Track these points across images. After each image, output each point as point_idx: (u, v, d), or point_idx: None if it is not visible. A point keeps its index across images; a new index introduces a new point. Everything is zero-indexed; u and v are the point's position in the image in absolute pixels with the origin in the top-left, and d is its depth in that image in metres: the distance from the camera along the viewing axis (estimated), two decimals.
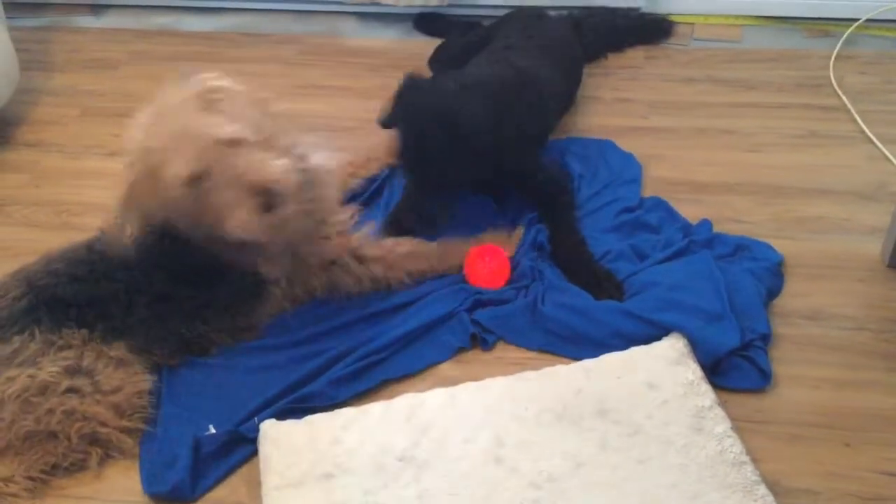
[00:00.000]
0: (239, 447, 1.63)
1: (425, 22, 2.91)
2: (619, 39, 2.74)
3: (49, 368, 1.60)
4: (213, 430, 1.64)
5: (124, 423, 1.63)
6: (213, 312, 1.77)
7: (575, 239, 1.95)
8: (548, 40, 2.33)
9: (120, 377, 1.65)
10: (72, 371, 1.61)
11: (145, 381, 1.69)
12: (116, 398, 1.63)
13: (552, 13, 2.55)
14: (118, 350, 1.68)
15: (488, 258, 1.89)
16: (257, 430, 1.63)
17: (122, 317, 1.71)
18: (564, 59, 2.35)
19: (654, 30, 2.79)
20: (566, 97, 2.37)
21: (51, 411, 1.57)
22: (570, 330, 1.78)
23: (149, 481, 1.57)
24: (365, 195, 2.16)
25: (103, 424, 1.60)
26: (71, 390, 1.60)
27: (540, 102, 2.11)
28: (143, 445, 1.64)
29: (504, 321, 1.82)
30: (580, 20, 2.66)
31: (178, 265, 1.72)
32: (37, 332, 1.65)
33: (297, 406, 1.68)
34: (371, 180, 2.20)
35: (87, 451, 1.59)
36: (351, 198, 2.13)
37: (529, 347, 1.80)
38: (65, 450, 1.57)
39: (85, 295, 1.69)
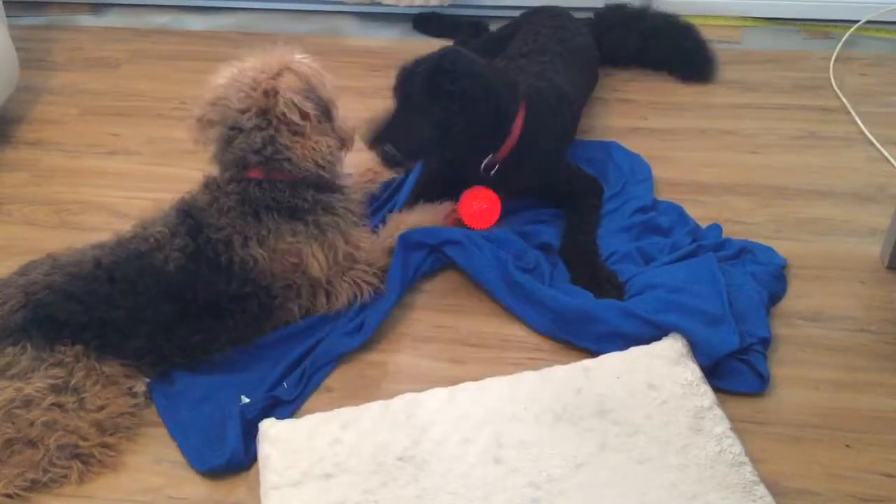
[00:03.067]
0: (277, 411, 1.68)
1: (425, 22, 2.90)
2: (652, 59, 2.63)
3: (36, 384, 1.60)
4: (246, 400, 1.67)
5: (106, 439, 1.63)
6: (216, 346, 1.78)
7: (587, 239, 1.97)
8: (577, 48, 2.33)
9: (107, 396, 1.66)
10: (58, 389, 1.62)
11: (132, 402, 1.69)
12: (100, 416, 1.64)
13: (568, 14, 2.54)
14: (111, 367, 1.68)
15: (480, 200, 1.99)
16: (288, 392, 1.70)
17: (120, 342, 1.70)
18: (588, 68, 2.38)
19: (690, 70, 2.60)
20: (584, 103, 2.38)
21: (32, 422, 1.58)
22: (569, 325, 1.79)
23: (199, 460, 1.60)
24: (383, 198, 2.16)
25: (84, 439, 1.60)
26: (55, 406, 1.60)
27: (569, 118, 2.15)
28: (176, 434, 1.65)
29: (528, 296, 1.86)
30: (610, 25, 2.62)
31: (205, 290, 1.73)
32: (29, 346, 1.64)
33: (321, 363, 1.76)
34: (387, 184, 2.18)
35: (68, 465, 1.59)
36: (371, 201, 2.12)
37: (535, 328, 1.84)
38: (43, 460, 1.57)
39: (81, 317, 1.68)
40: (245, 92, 1.75)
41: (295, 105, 1.74)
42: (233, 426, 1.61)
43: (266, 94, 1.75)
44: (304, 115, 1.76)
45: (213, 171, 1.85)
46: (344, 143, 1.87)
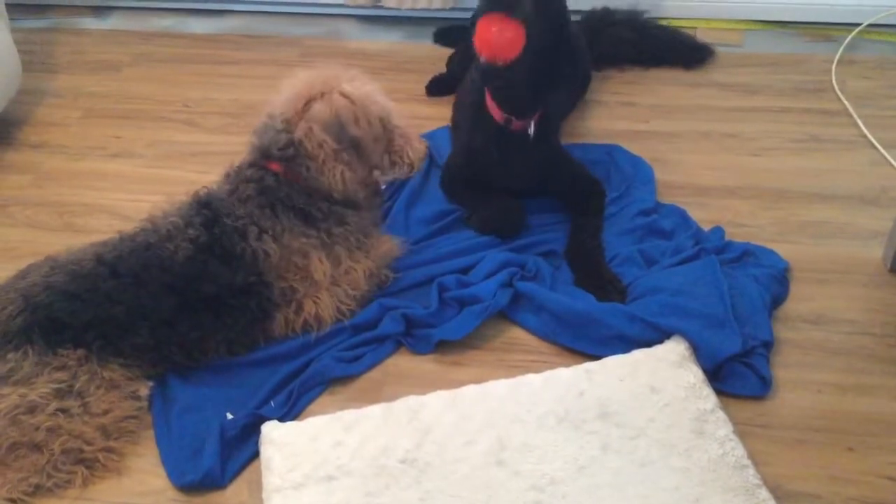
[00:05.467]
0: (260, 430, 1.65)
1: (444, 34, 2.86)
2: (650, 55, 2.69)
3: (41, 389, 1.60)
4: (230, 417, 1.66)
5: (110, 444, 1.63)
6: (213, 345, 1.77)
7: (592, 243, 1.97)
8: None
9: (110, 400, 1.65)
10: (62, 393, 1.61)
11: (136, 405, 1.69)
12: (105, 420, 1.63)
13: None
14: (112, 371, 1.68)
15: (500, 26, 1.75)
16: (274, 411, 1.68)
17: (121, 339, 1.70)
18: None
19: (690, 55, 2.70)
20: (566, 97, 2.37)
21: (36, 427, 1.57)
22: (571, 329, 1.79)
23: (176, 474, 1.58)
24: (385, 198, 2.16)
25: (88, 444, 1.60)
26: (60, 411, 1.60)
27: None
28: (161, 442, 1.65)
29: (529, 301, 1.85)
30: (604, 25, 2.66)
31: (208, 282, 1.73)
32: (31, 351, 1.64)
33: (310, 385, 1.74)
34: (390, 184, 2.19)
35: (72, 470, 1.58)
36: None
37: (535, 332, 1.83)
38: (47, 465, 1.56)
39: (83, 316, 1.67)
40: (290, 98, 1.81)
41: (312, 135, 1.78)
42: (211, 443, 1.60)
43: (303, 108, 1.81)
44: (319, 145, 1.78)
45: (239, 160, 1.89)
46: (366, 182, 1.89)
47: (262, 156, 1.83)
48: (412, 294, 1.91)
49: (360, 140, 1.81)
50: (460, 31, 2.87)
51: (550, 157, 2.06)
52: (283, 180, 1.80)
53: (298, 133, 1.78)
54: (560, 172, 2.08)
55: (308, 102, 1.80)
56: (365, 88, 1.83)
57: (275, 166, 1.81)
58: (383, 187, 2.18)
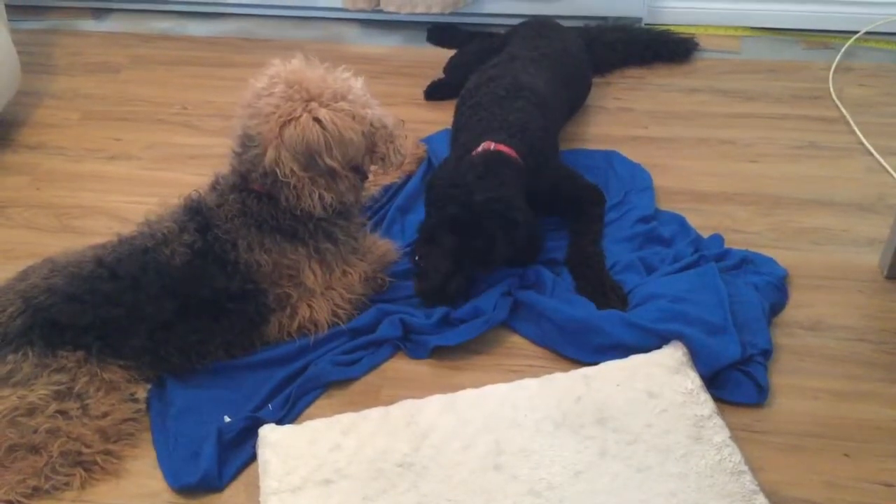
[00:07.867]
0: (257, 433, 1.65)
1: (438, 33, 2.90)
2: (639, 53, 2.75)
3: (40, 391, 1.60)
4: (228, 420, 1.66)
5: (109, 446, 1.63)
6: (211, 348, 1.77)
7: (592, 250, 1.97)
8: (552, 50, 2.36)
9: (110, 402, 1.66)
10: (62, 395, 1.61)
11: (135, 408, 1.69)
12: (104, 423, 1.63)
13: (565, 25, 2.60)
14: (112, 373, 1.68)
15: None
16: (272, 414, 1.68)
17: (120, 341, 1.70)
18: (567, 69, 2.38)
19: (676, 48, 2.77)
20: (565, 106, 2.38)
21: (35, 429, 1.57)
22: (572, 338, 1.79)
23: (174, 476, 1.59)
24: (382, 201, 2.19)
25: (87, 446, 1.60)
26: (59, 413, 1.60)
27: (543, 115, 2.12)
28: (158, 444, 1.65)
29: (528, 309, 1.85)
30: (597, 34, 2.70)
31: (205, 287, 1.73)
32: (30, 353, 1.64)
33: (308, 388, 1.74)
34: (387, 188, 2.21)
35: (71, 473, 1.58)
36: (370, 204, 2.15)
37: (535, 341, 1.83)
38: (46, 467, 1.56)
39: (83, 318, 1.67)
40: (263, 116, 1.71)
41: (281, 162, 1.70)
42: (208, 446, 1.60)
43: (279, 132, 1.70)
44: (290, 172, 1.70)
45: (223, 170, 1.85)
46: (355, 185, 1.82)
47: (244, 180, 1.78)
48: (412, 302, 1.91)
49: (333, 168, 1.74)
50: (453, 30, 2.89)
51: (552, 181, 2.06)
52: (265, 202, 1.76)
53: (268, 159, 1.69)
54: (560, 184, 2.08)
55: (284, 124, 1.69)
56: (343, 103, 1.73)
57: (258, 187, 1.77)
58: (380, 188, 2.19)
